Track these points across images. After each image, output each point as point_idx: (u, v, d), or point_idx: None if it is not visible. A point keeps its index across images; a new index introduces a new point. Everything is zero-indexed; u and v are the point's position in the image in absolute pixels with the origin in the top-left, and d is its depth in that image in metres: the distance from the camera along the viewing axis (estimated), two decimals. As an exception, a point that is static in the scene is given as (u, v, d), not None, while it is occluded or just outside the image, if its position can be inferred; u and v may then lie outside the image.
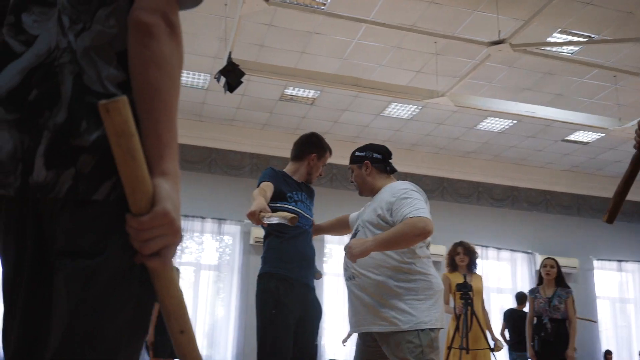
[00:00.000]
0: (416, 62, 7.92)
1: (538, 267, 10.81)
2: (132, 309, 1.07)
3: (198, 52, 8.02)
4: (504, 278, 11.07)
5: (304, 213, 3.59)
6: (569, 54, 7.42)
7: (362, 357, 3.22)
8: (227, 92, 8.26)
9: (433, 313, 3.02)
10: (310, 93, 8.96)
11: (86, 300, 1.03)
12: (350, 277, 3.20)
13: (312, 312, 3.53)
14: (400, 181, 3.31)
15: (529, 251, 11.20)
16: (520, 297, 8.25)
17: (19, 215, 1.12)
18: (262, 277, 3.49)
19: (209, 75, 8.53)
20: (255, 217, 2.94)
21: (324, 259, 10.42)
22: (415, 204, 3.02)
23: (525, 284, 11.04)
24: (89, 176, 1.05)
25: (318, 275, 3.65)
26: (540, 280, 6.33)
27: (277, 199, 3.51)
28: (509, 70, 7.98)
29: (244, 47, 7.58)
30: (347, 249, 3.01)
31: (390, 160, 3.43)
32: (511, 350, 8.10)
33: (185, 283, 9.64)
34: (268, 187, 3.41)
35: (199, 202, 9.82)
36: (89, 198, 1.05)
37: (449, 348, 5.50)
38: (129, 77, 1.09)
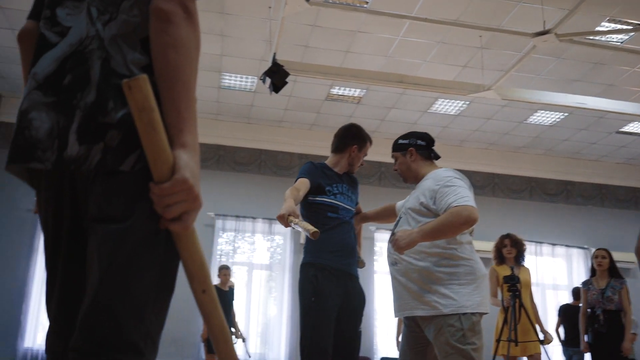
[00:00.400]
0: (461, 56, 7.86)
1: (595, 263, 10.60)
2: (158, 270, 1.19)
3: (245, 56, 8.16)
4: (559, 274, 10.85)
5: (344, 205, 3.66)
6: (619, 43, 7.25)
7: (408, 343, 3.25)
8: (273, 93, 8.41)
9: (474, 297, 3.02)
10: (356, 92, 8.99)
11: (116, 260, 1.15)
12: (393, 262, 3.25)
13: (354, 300, 3.58)
14: (443, 168, 3.30)
15: (585, 246, 10.93)
16: (576, 292, 8.08)
17: (57, 187, 1.26)
18: (302, 267, 3.60)
19: (255, 77, 8.67)
20: (284, 220, 3.05)
21: (374, 257, 10.43)
22: (459, 192, 3.02)
23: (582, 280, 10.78)
24: (116, 150, 1.18)
25: (361, 264, 3.70)
26: (593, 272, 6.20)
27: (317, 193, 3.60)
28: (557, 62, 7.84)
29: (289, 48, 7.68)
30: (394, 240, 3.04)
31: (433, 147, 3.45)
32: (566, 346, 7.94)
33: (239, 283, 9.78)
34: (302, 185, 3.50)
35: (250, 203, 9.98)
36: (116, 169, 1.18)
37: (498, 340, 5.44)
38: (152, 61, 1.21)
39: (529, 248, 9.37)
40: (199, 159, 1.19)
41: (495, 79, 7.48)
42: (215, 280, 7.73)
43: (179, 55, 1.17)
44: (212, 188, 9.50)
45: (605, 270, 6.03)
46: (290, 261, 10.14)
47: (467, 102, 9.19)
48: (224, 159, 10.29)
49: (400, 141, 3.45)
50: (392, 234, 3.16)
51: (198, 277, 1.18)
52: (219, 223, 9.93)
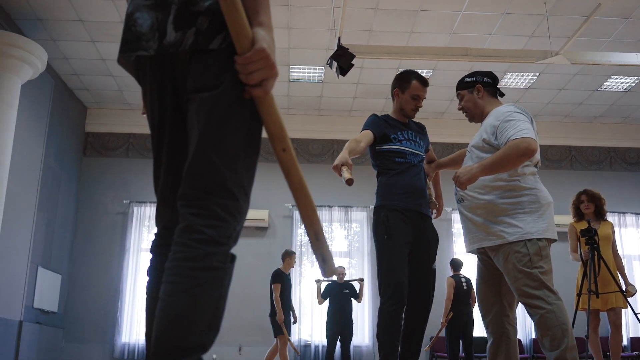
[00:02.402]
0: (527, 26, 7.81)
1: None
2: (246, 129, 1.43)
3: (311, 46, 8.38)
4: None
5: (411, 150, 3.78)
6: (692, -5, 7.03)
7: (482, 277, 3.37)
8: (341, 81, 8.57)
9: (540, 224, 3.09)
10: (423, 73, 9.04)
11: (212, 120, 1.39)
12: (459, 200, 3.35)
13: (426, 238, 3.71)
14: (506, 104, 3.36)
15: (673, 214, 10.59)
16: None
17: (159, 72, 1.51)
18: (375, 211, 3.78)
19: (323, 67, 8.86)
20: (337, 170, 3.26)
21: (453, 239, 10.43)
22: (518, 125, 3.09)
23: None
24: (205, 32, 1.41)
25: (433, 205, 3.86)
26: None
27: (383, 142, 3.77)
28: (627, 23, 7.67)
29: (353, 34, 7.84)
30: (456, 177, 3.13)
31: (498, 86, 3.50)
32: None
33: (317, 272, 9.97)
34: (364, 137, 3.66)
35: (326, 193, 10.16)
36: (206, 48, 1.41)
37: (579, 295, 5.39)
38: None
39: (612, 219, 9.16)
40: (273, 35, 1.41)
41: (563, 46, 7.39)
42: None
43: None
44: (289, 179, 9.74)
45: None
46: (368, 247, 10.28)
47: (537, 74, 9.08)
48: (298, 152, 10.53)
49: (467, 79, 3.50)
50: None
51: (278, 136, 1.40)
52: (297, 214, 10.17)
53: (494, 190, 3.19)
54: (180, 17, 1.42)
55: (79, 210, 10.23)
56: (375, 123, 3.79)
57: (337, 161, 3.27)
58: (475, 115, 3.47)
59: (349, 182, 3.15)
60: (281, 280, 7.61)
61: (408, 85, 3.82)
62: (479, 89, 3.43)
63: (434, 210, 3.92)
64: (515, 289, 3.09)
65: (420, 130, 3.99)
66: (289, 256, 7.87)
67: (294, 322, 8.01)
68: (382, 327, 3.52)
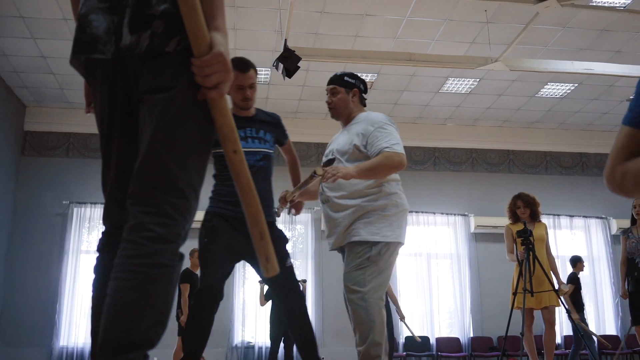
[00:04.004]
0: (469, 33, 8.03)
1: (613, 232, 10.67)
2: (199, 131, 1.47)
3: (257, 48, 8.38)
4: (578, 245, 10.94)
5: (245, 149, 3.55)
6: (622, 7, 7.36)
7: None
8: (287, 83, 8.61)
9: (395, 230, 3.29)
10: (367, 77, 9.18)
11: (164, 119, 1.43)
12: (324, 200, 3.46)
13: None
14: (375, 112, 3.51)
15: (603, 216, 11.05)
16: (574, 261, 8.16)
17: (112, 75, 1.53)
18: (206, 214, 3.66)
19: (269, 69, 8.88)
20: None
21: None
22: (390, 138, 3.29)
23: (602, 250, 10.90)
24: (161, 35, 1.45)
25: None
26: (633, 221, 6.31)
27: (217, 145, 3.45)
28: (563, 32, 7.98)
29: (300, 37, 7.89)
30: (331, 170, 3.14)
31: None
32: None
33: (264, 272, 9.97)
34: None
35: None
36: (162, 50, 1.45)
37: (514, 294, 5.60)
38: None
39: (547, 221, 9.48)
40: (228, 40, 1.46)
41: (502, 52, 7.62)
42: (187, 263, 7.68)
43: None
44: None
45: None
46: (312, 249, 10.36)
47: (478, 80, 9.34)
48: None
49: (348, 79, 3.56)
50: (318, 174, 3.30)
51: (230, 138, 1.44)
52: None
53: (359, 193, 3.32)
54: (135, 20, 1.46)
55: (16, 210, 9.93)
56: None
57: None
58: (342, 115, 3.55)
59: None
60: (190, 280, 7.41)
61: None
62: (355, 93, 3.55)
63: (292, 210, 3.81)
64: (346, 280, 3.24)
65: (269, 122, 3.71)
66: (192, 255, 7.61)
67: None
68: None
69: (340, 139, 3.50)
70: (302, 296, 3.58)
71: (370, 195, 3.30)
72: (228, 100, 1.48)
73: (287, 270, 3.49)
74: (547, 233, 5.94)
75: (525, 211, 5.92)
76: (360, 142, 3.34)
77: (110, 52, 1.48)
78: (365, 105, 3.65)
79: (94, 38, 1.50)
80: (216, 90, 1.42)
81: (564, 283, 5.89)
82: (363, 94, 3.61)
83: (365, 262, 3.20)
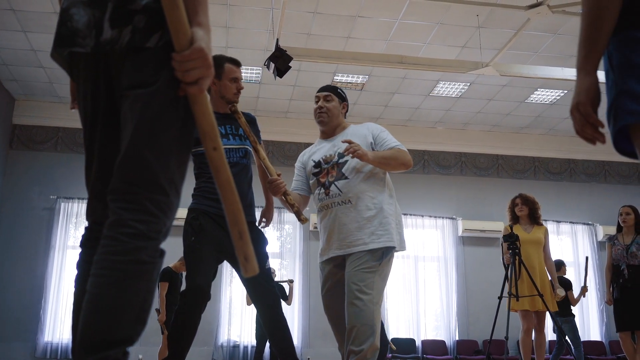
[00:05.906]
0: (460, 37, 8.06)
1: (600, 238, 10.75)
2: (180, 127, 1.47)
3: (249, 47, 8.38)
4: (565, 251, 10.99)
5: (227, 146, 3.60)
6: (613, 15, 7.40)
7: (324, 282, 3.54)
8: (279, 83, 8.60)
9: (397, 236, 3.34)
10: (359, 79, 9.20)
11: (145, 115, 1.42)
12: (342, 202, 3.38)
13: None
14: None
15: (590, 222, 11.12)
16: (558, 264, 8.20)
17: (94, 69, 1.53)
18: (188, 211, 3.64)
19: (260, 68, 8.87)
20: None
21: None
22: (395, 139, 3.40)
23: (588, 256, 10.94)
24: (142, 30, 1.45)
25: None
26: (619, 228, 6.34)
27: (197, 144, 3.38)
28: (554, 38, 8.03)
29: (292, 37, 7.89)
30: (354, 146, 3.16)
31: None
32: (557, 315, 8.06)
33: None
34: None
35: (258, 194, 10.13)
36: (143, 45, 1.44)
37: (499, 298, 5.60)
38: None
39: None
40: (211, 36, 1.45)
41: (493, 57, 7.66)
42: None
43: None
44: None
45: (631, 226, 6.18)
46: (300, 249, 10.36)
47: (468, 84, 9.38)
48: (233, 151, 10.46)
49: (340, 91, 3.62)
50: (324, 186, 3.36)
51: (210, 135, 1.43)
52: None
53: (376, 199, 3.32)
54: (117, 14, 1.46)
55: (2, 204, 9.86)
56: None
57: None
58: (331, 122, 3.54)
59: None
60: (169, 279, 7.34)
61: (222, 69, 3.57)
62: (345, 107, 3.61)
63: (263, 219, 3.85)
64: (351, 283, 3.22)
65: (248, 120, 3.63)
66: (180, 260, 7.45)
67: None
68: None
69: (325, 150, 3.49)
70: (277, 300, 3.53)
71: (386, 203, 3.34)
72: (208, 97, 1.46)
73: (264, 272, 3.46)
74: (546, 237, 5.93)
75: (522, 208, 5.92)
76: (368, 140, 3.40)
77: (90, 46, 1.47)
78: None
79: (73, 31, 1.50)
80: (196, 85, 1.41)
81: (560, 287, 5.92)
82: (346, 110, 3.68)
83: (376, 267, 3.20)
